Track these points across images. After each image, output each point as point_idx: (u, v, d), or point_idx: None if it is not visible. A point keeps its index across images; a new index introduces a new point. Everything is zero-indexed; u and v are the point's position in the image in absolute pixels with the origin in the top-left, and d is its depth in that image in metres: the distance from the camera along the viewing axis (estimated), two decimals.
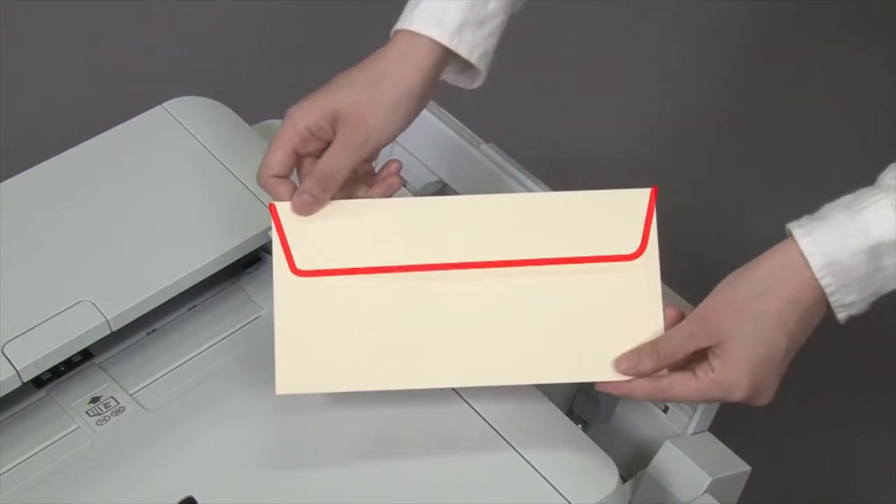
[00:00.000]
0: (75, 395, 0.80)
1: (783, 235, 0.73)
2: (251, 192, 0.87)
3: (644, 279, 0.75)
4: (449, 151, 0.99)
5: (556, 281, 0.75)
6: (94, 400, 0.80)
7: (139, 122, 0.93)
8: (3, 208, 0.85)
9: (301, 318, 0.74)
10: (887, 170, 0.71)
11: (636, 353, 0.74)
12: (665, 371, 0.74)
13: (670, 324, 0.75)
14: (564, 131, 1.60)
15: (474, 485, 0.74)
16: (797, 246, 0.71)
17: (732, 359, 0.72)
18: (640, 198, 0.76)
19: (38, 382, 0.80)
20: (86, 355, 0.82)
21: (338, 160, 0.75)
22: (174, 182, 0.88)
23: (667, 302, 0.75)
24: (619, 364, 0.74)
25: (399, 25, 0.78)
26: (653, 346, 0.74)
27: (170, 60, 1.67)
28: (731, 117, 1.66)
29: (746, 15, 1.80)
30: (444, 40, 0.77)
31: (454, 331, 0.75)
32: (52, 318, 0.78)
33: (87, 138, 0.91)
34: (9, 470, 0.75)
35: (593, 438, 0.78)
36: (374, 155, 0.79)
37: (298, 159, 0.77)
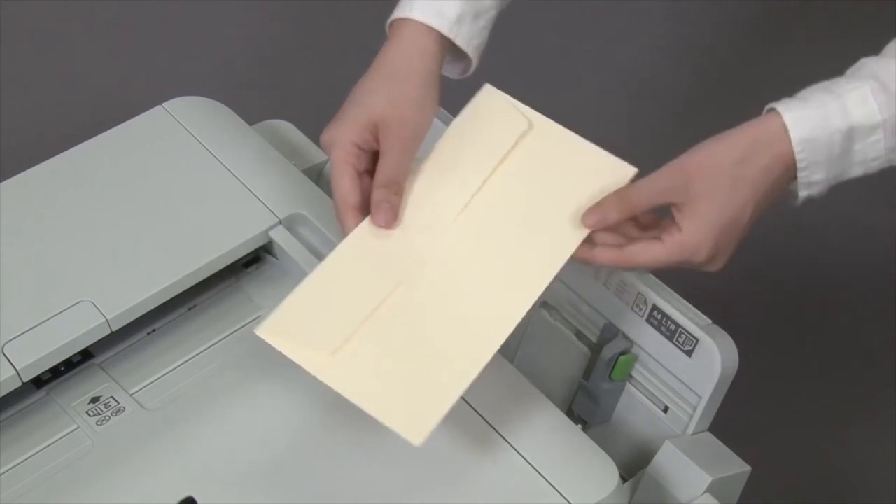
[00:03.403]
0: (75, 395, 0.80)
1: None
2: (251, 192, 0.87)
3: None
4: None
5: (529, 184, 0.78)
6: (94, 400, 0.80)
7: (139, 122, 0.93)
8: (3, 208, 0.85)
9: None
10: (859, 63, 0.73)
11: (600, 205, 0.75)
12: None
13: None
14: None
15: (474, 485, 0.75)
16: (780, 119, 0.72)
17: (702, 219, 0.73)
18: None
19: (38, 382, 0.80)
20: (86, 355, 0.82)
21: (396, 162, 0.76)
22: (174, 182, 0.88)
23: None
24: (585, 219, 0.75)
25: (398, 14, 0.79)
26: (619, 195, 0.75)
27: (170, 60, 1.67)
28: (731, 114, 1.66)
29: (745, 9, 1.80)
30: (445, 30, 0.78)
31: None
32: (52, 318, 0.78)
33: (87, 138, 0.91)
34: (9, 470, 0.75)
35: (593, 438, 0.78)
36: (418, 149, 0.79)
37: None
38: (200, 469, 0.75)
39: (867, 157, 0.72)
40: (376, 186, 0.76)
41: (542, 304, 0.91)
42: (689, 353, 0.81)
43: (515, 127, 0.81)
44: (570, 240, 0.76)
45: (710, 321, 0.82)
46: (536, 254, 0.76)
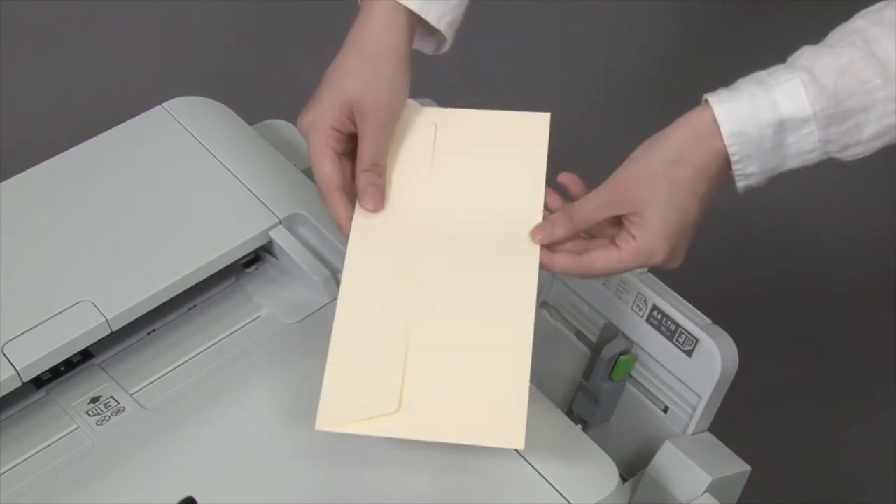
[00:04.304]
0: (75, 395, 0.80)
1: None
2: (251, 192, 0.87)
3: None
4: None
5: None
6: (94, 400, 0.80)
7: (139, 122, 0.93)
8: (3, 208, 0.85)
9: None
10: (800, 51, 0.73)
11: (549, 221, 0.76)
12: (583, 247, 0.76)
13: (578, 192, 0.77)
14: (565, 127, 1.60)
15: (474, 484, 0.74)
16: (711, 113, 0.73)
17: (652, 226, 0.73)
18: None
19: (38, 382, 0.80)
20: (86, 355, 0.82)
21: (376, 145, 0.78)
22: (174, 182, 0.88)
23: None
24: (534, 235, 0.76)
25: None
26: (566, 212, 0.76)
27: (170, 60, 1.67)
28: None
29: None
30: (415, 7, 0.79)
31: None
32: (52, 318, 0.78)
33: (87, 138, 0.91)
34: (9, 470, 0.75)
35: (593, 438, 0.78)
36: (394, 128, 0.81)
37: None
38: (200, 469, 0.75)
39: (802, 149, 0.73)
40: (360, 171, 0.78)
41: (542, 304, 0.91)
42: (689, 353, 0.81)
43: (425, 125, 0.82)
44: (533, 208, 0.78)
45: (710, 321, 0.82)
46: (513, 232, 0.77)
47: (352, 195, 0.78)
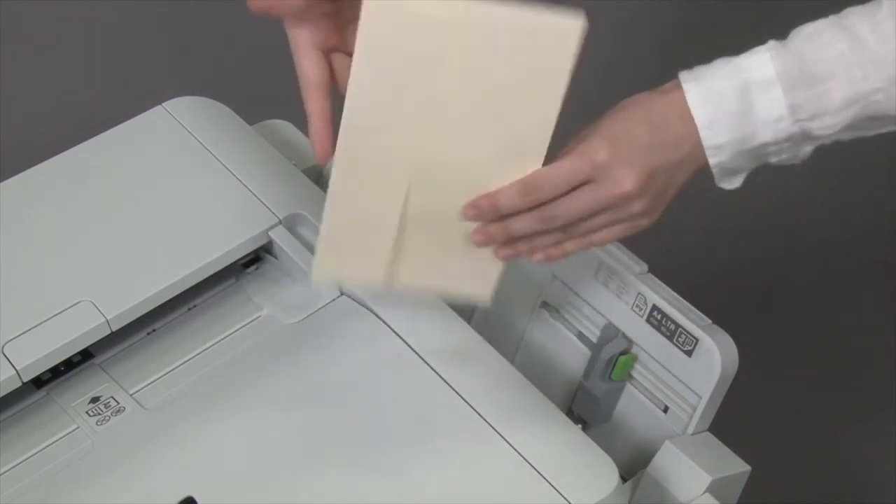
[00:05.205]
0: (75, 395, 0.80)
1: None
2: (251, 192, 0.87)
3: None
4: None
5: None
6: (94, 400, 0.80)
7: (139, 122, 0.93)
8: (3, 208, 0.85)
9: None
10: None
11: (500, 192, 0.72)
12: None
13: None
14: (565, 125, 1.60)
15: (474, 485, 0.74)
16: (678, 80, 0.72)
17: (594, 131, 0.72)
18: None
19: (38, 382, 0.80)
20: (86, 355, 0.82)
21: None
22: (174, 182, 0.88)
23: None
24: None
25: None
26: (524, 181, 0.72)
27: (170, 60, 1.67)
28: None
29: None
30: None
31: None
32: (52, 318, 0.78)
33: (87, 138, 0.91)
34: (9, 470, 0.75)
35: (593, 438, 0.78)
36: None
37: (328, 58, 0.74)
38: (200, 469, 0.75)
39: (771, 115, 0.71)
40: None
41: (543, 304, 0.91)
42: (689, 353, 0.81)
43: (436, 25, 0.70)
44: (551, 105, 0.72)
45: (710, 321, 0.82)
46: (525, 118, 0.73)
47: (332, 94, 0.73)
